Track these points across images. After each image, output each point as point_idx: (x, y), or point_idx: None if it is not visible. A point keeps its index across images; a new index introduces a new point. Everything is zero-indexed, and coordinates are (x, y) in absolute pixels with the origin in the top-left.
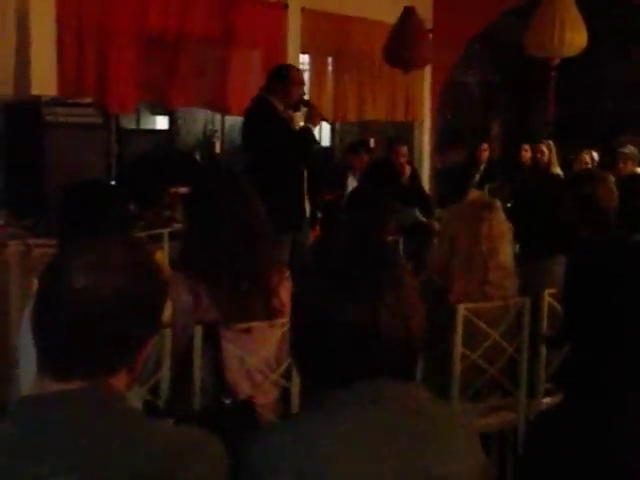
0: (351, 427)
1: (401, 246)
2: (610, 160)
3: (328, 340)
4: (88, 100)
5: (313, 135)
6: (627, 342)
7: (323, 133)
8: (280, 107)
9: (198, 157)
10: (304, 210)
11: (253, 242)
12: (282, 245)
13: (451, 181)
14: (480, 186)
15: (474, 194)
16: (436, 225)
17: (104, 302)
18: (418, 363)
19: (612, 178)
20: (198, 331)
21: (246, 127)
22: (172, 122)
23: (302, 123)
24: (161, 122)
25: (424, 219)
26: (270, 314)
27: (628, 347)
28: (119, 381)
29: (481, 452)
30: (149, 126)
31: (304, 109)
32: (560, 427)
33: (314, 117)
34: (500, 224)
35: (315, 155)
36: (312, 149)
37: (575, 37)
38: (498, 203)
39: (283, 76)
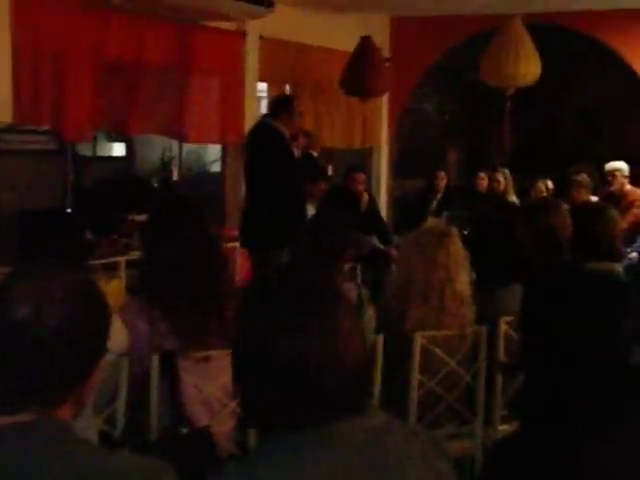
0: (303, 475)
1: (359, 274)
2: (564, 188)
3: (268, 381)
4: (44, 127)
5: (317, 161)
6: (581, 370)
7: None
8: (286, 134)
9: (156, 184)
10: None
11: (210, 269)
12: (276, 259)
13: (409, 208)
14: (437, 213)
15: (431, 222)
16: (394, 252)
17: (46, 333)
18: (366, 393)
19: (566, 206)
20: (155, 360)
21: (255, 149)
22: (129, 149)
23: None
24: (118, 149)
25: (382, 247)
26: (228, 342)
27: (582, 375)
28: (65, 412)
29: (443, 464)
30: (106, 153)
31: (304, 138)
32: (516, 455)
33: (314, 145)
34: (457, 252)
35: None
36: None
37: (529, 68)
38: (455, 231)
39: (289, 106)
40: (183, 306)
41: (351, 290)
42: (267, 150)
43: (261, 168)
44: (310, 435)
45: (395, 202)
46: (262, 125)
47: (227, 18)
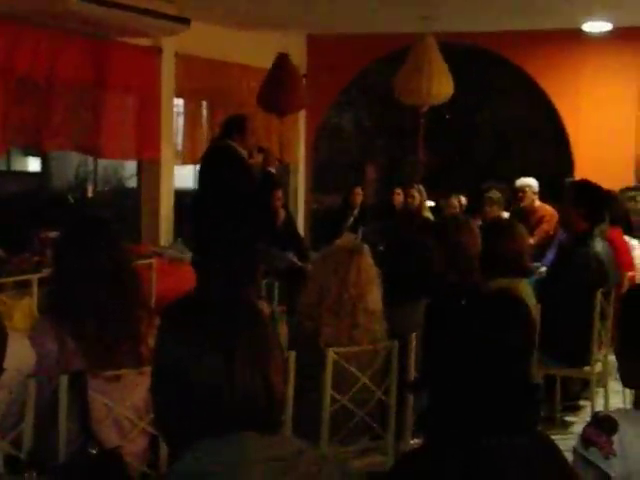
0: None
1: (276, 290)
2: (477, 204)
3: (181, 397)
4: None
5: (274, 178)
6: (479, 387)
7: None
8: (243, 153)
9: (71, 200)
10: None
11: (120, 288)
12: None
13: (326, 224)
14: (354, 229)
15: (342, 239)
16: (310, 268)
17: None
18: (282, 412)
19: (476, 223)
20: (63, 380)
21: (211, 169)
22: (45, 164)
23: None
24: (34, 163)
25: (299, 262)
26: (139, 361)
27: (480, 391)
28: None
29: None
30: (21, 167)
31: (259, 154)
32: (418, 470)
33: (270, 161)
34: (368, 269)
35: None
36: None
37: (442, 86)
38: (366, 248)
39: (241, 125)
40: (92, 325)
41: (264, 307)
42: (226, 172)
43: (219, 190)
44: (223, 454)
45: (313, 217)
46: (218, 147)
47: (142, 34)
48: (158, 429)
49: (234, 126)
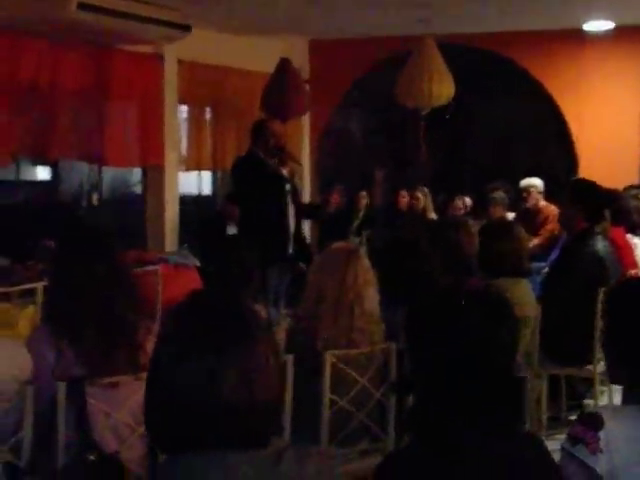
0: None
1: (283, 296)
2: (482, 205)
3: (167, 405)
4: None
5: (284, 178)
6: (462, 385)
7: (203, 182)
8: (265, 158)
9: (78, 209)
10: (285, 247)
11: (117, 296)
12: (269, 276)
13: (331, 228)
14: (358, 233)
15: (338, 243)
16: None
17: None
18: (269, 426)
19: (472, 224)
20: (61, 387)
21: (232, 180)
22: (54, 173)
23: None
24: (43, 172)
25: (304, 266)
26: (136, 368)
27: (463, 390)
28: None
29: None
30: (30, 176)
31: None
32: (402, 469)
33: (284, 161)
34: (365, 271)
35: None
36: (284, 191)
37: (443, 88)
38: (362, 251)
39: (259, 130)
40: (89, 334)
41: (261, 311)
42: (244, 178)
43: (241, 196)
44: (212, 461)
45: (318, 221)
46: (239, 157)
47: (144, 41)
48: (147, 433)
49: (255, 132)
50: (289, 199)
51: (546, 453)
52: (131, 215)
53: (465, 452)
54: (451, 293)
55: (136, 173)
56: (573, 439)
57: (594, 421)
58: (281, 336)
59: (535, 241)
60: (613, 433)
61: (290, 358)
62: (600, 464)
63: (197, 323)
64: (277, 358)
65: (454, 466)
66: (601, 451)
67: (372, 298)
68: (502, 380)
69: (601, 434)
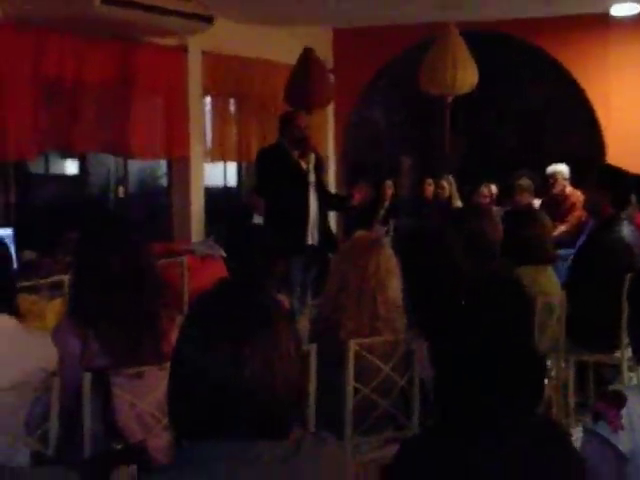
0: None
1: (309, 286)
2: (508, 192)
3: (190, 391)
4: None
5: (306, 169)
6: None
7: (229, 174)
8: (290, 149)
9: (110, 200)
10: (308, 237)
11: (140, 287)
12: (294, 266)
13: (357, 218)
14: (385, 222)
15: (360, 232)
16: None
17: None
18: (289, 415)
19: (496, 211)
20: (87, 378)
21: (255, 171)
22: (82, 166)
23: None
24: (72, 166)
25: (330, 257)
26: (161, 358)
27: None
28: None
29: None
30: (59, 170)
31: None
32: (415, 454)
33: (306, 152)
34: (387, 260)
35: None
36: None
37: (466, 75)
38: (385, 240)
39: (285, 121)
40: (113, 325)
41: (284, 302)
42: (268, 169)
43: (265, 186)
44: (232, 450)
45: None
46: (263, 148)
47: (168, 34)
48: (169, 420)
49: (282, 123)
50: (311, 190)
51: (567, 440)
52: (158, 207)
53: (484, 437)
54: (467, 280)
55: (163, 165)
56: (595, 416)
57: (617, 398)
58: (305, 325)
59: (562, 228)
60: (635, 411)
61: (314, 347)
62: (622, 442)
63: (220, 310)
64: (299, 349)
65: (471, 451)
66: (622, 428)
67: (395, 287)
68: (520, 359)
69: (623, 412)
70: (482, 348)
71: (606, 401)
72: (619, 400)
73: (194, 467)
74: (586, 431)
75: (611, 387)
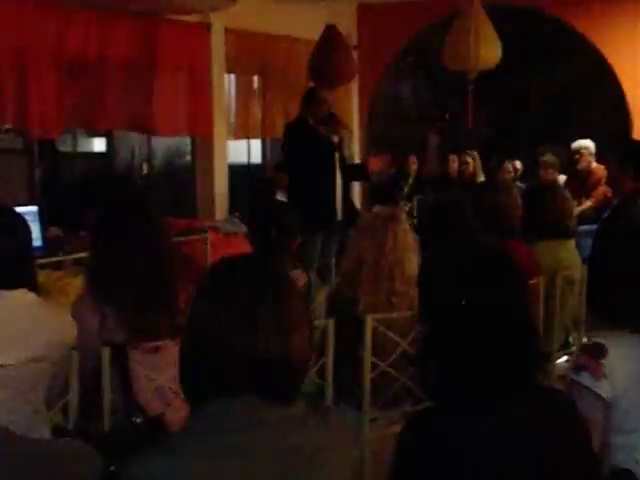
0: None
1: (332, 261)
2: (532, 168)
3: (203, 356)
4: (7, 126)
5: (333, 145)
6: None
7: (253, 150)
8: (310, 121)
9: (136, 178)
10: (334, 212)
11: (157, 262)
12: (312, 245)
13: (381, 194)
14: (409, 198)
15: (378, 207)
16: None
17: None
18: (300, 383)
19: (517, 187)
20: (105, 352)
21: (283, 146)
22: (109, 144)
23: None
24: (99, 144)
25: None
26: (177, 333)
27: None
28: None
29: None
30: (87, 148)
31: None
32: (424, 430)
33: (336, 127)
34: (404, 235)
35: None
36: (333, 157)
37: (489, 51)
38: (402, 215)
39: (309, 97)
40: (131, 300)
41: (300, 277)
42: (293, 144)
43: (290, 161)
44: (244, 404)
45: (369, 188)
46: (288, 123)
47: (191, 11)
48: (181, 385)
49: (304, 99)
50: (337, 166)
51: (573, 410)
52: (183, 185)
53: (485, 411)
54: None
55: (189, 143)
56: (578, 368)
57: (597, 350)
58: (321, 300)
59: (588, 203)
60: (614, 359)
61: (331, 322)
62: (604, 389)
63: (231, 279)
64: (310, 322)
65: (475, 425)
66: (605, 377)
67: (412, 262)
68: (516, 330)
69: (604, 361)
70: (478, 324)
71: (587, 352)
72: (599, 351)
73: (200, 430)
74: (571, 382)
75: (593, 339)
